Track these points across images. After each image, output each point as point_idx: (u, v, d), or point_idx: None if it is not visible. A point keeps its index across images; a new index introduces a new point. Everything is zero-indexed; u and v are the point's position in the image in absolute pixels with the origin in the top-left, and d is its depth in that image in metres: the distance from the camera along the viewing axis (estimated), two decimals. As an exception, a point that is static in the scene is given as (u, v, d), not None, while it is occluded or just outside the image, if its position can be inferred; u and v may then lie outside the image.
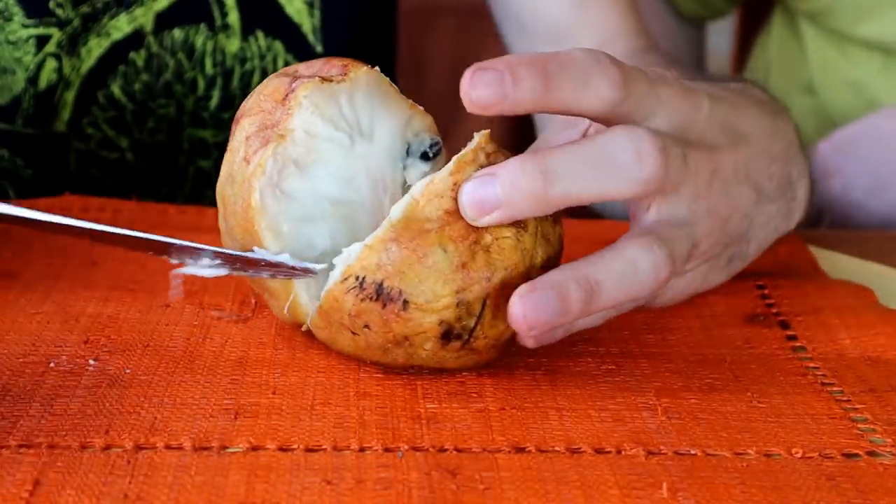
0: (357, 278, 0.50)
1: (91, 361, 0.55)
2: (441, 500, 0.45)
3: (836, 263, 0.71)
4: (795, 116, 1.10)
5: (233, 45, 0.83)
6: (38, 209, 0.75)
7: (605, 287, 0.50)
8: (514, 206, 0.49)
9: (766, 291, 0.64)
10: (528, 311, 0.49)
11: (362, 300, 0.50)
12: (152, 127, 0.83)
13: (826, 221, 0.93)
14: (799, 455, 0.49)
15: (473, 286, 0.50)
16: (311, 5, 0.84)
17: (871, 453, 0.49)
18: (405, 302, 0.50)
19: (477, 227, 0.50)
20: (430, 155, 0.55)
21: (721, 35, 1.50)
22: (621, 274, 0.50)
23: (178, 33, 0.81)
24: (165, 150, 0.83)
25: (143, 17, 0.80)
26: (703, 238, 0.55)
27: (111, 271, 0.65)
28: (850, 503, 0.46)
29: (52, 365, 0.54)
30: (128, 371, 0.54)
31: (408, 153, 0.55)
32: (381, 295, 0.50)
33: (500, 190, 0.49)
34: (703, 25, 1.25)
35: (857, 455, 0.49)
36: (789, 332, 0.60)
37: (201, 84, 0.83)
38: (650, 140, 0.51)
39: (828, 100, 1.08)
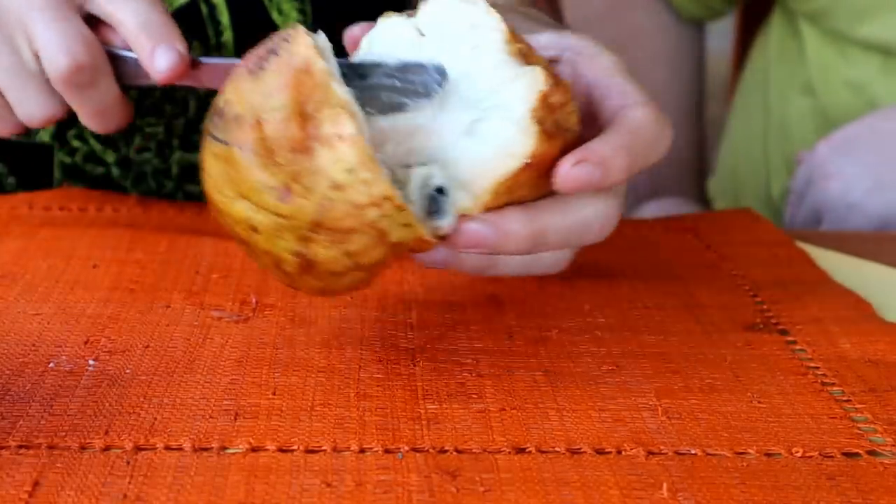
0: None
1: (91, 362, 0.54)
2: (441, 503, 0.45)
3: (836, 263, 0.71)
4: (794, 116, 1.11)
5: None
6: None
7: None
8: (503, 251, 0.53)
9: (764, 307, 0.64)
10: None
11: None
12: (140, 144, 0.81)
13: (825, 222, 0.93)
14: (799, 455, 0.49)
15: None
16: (304, 25, 0.83)
17: (871, 452, 0.49)
18: None
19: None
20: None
21: (721, 35, 1.50)
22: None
23: None
24: (154, 170, 0.82)
25: None
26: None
27: (111, 272, 0.65)
28: (850, 503, 0.46)
29: (51, 365, 0.54)
30: (128, 371, 0.54)
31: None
32: None
33: (492, 237, 0.52)
34: (703, 25, 1.26)
35: (857, 454, 0.49)
36: (789, 338, 0.60)
37: (192, 106, 0.82)
38: (616, 213, 0.56)
39: (827, 100, 1.08)
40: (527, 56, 0.54)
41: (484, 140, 0.52)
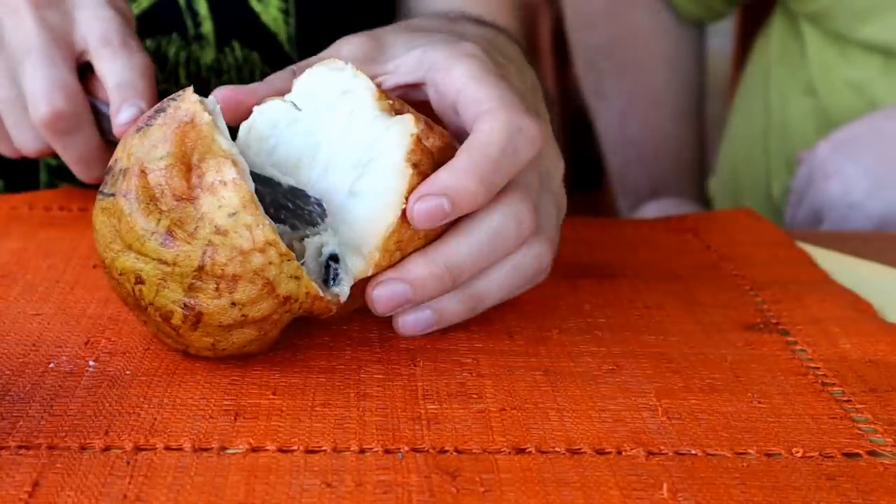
0: None
1: (91, 362, 0.54)
2: (441, 503, 0.45)
3: (836, 263, 0.71)
4: (795, 117, 1.11)
5: (207, 55, 0.81)
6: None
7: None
8: (423, 299, 0.55)
9: (764, 307, 0.64)
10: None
11: None
12: None
13: (825, 222, 0.93)
14: (799, 455, 0.49)
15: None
16: (286, 13, 0.83)
17: (871, 453, 0.49)
18: None
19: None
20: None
21: (721, 35, 1.50)
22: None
23: (149, 43, 0.80)
24: None
25: None
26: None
27: (111, 272, 0.65)
28: (850, 503, 0.46)
29: (52, 366, 0.54)
30: (128, 372, 0.54)
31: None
32: None
33: (403, 290, 0.55)
34: (703, 25, 1.26)
35: (857, 455, 0.49)
36: (789, 338, 0.60)
37: None
38: (528, 208, 0.56)
39: (828, 101, 1.08)
40: (398, 110, 0.55)
41: (364, 195, 0.54)
